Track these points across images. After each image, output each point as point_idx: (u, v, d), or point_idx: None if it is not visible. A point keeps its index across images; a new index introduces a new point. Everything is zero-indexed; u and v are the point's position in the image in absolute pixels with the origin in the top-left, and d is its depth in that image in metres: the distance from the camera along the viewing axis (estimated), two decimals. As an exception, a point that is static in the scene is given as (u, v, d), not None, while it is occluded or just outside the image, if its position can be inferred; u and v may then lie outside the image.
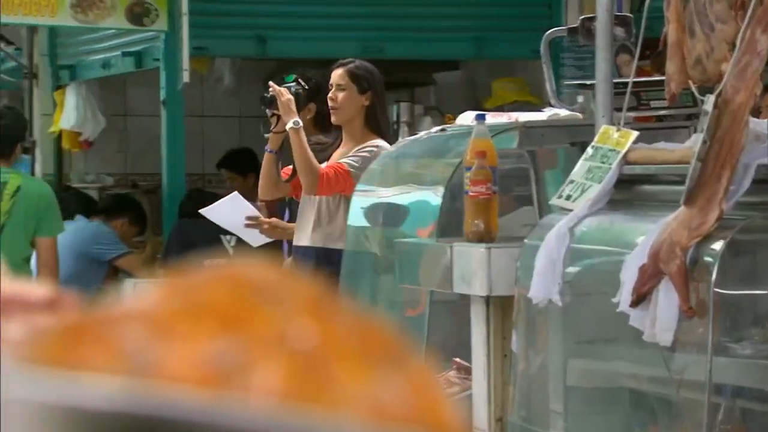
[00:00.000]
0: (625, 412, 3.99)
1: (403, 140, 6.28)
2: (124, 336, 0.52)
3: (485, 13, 8.21)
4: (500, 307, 4.28)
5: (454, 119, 5.48)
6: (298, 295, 0.55)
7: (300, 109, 5.51)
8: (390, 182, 5.56)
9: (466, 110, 5.49)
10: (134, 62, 8.44)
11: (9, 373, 0.52)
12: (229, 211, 5.83)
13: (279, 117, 5.54)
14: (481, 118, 4.58)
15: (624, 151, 3.95)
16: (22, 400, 0.50)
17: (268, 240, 5.87)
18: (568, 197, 4.03)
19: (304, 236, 5.61)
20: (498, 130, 4.65)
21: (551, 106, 5.01)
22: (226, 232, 7.32)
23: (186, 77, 7.21)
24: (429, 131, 5.64)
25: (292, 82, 5.75)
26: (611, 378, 4.08)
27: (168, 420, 0.48)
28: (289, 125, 5.43)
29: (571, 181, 4.06)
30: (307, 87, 5.76)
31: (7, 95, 11.29)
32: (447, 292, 4.55)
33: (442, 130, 5.43)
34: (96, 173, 10.01)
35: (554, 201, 4.12)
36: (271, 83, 5.62)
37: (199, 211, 6.14)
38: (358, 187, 5.65)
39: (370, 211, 5.56)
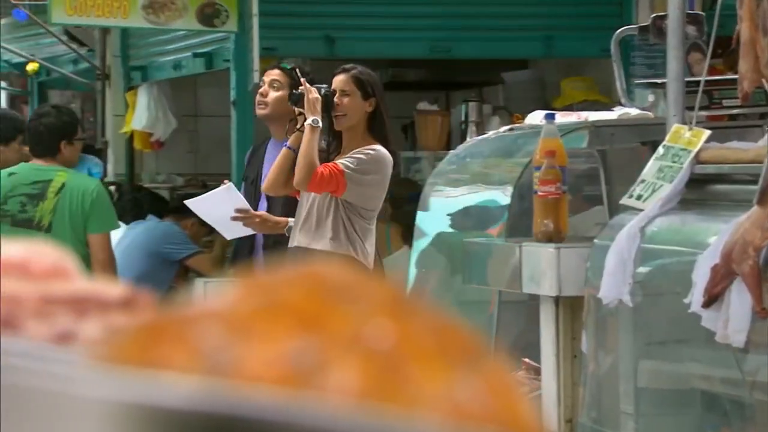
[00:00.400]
0: (697, 413, 3.95)
1: (471, 140, 6.26)
2: (203, 336, 0.52)
3: (554, 11, 8.17)
4: (570, 307, 4.25)
5: (523, 119, 5.46)
6: (375, 295, 0.55)
7: (324, 110, 5.48)
8: (458, 182, 5.55)
9: (534, 110, 5.47)
10: (205, 63, 8.50)
11: (89, 372, 0.53)
12: (219, 202, 5.71)
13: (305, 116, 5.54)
14: (550, 117, 4.56)
15: (696, 150, 3.91)
16: (101, 399, 0.50)
17: (245, 233, 5.77)
18: (639, 197, 4.00)
19: (293, 237, 5.60)
20: (567, 130, 4.63)
21: (621, 105, 4.97)
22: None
23: (256, 78, 7.24)
24: (497, 131, 5.62)
25: (289, 69, 5.75)
26: (683, 379, 4.04)
27: (245, 419, 0.48)
28: (308, 122, 5.41)
29: (642, 181, 4.03)
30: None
31: (80, 96, 11.42)
32: (516, 292, 4.53)
33: (511, 129, 5.41)
34: (167, 173, 10.09)
35: (625, 200, 4.09)
36: (303, 80, 5.61)
37: (185, 202, 6.01)
38: (427, 186, 5.64)
39: (439, 210, 5.56)
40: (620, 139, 4.66)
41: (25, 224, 6.14)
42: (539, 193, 4.34)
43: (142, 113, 9.28)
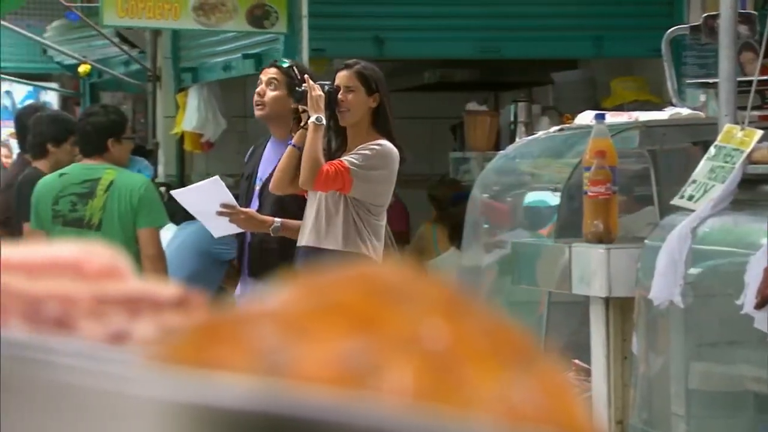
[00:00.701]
0: (750, 416, 3.92)
1: (521, 140, 6.25)
2: (258, 336, 0.52)
3: (605, 11, 8.13)
4: (620, 308, 4.23)
5: (573, 119, 5.44)
6: (430, 296, 0.55)
7: (327, 107, 5.46)
8: (507, 182, 5.54)
9: (584, 110, 5.45)
10: (254, 64, 8.52)
11: (144, 372, 0.53)
12: (205, 195, 5.65)
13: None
14: (600, 117, 4.53)
15: (748, 150, 3.88)
16: (157, 399, 0.50)
17: (231, 231, 5.73)
18: (690, 197, 3.97)
19: (302, 236, 5.58)
20: (618, 130, 4.61)
21: (672, 105, 4.94)
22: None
23: (305, 79, 7.25)
24: (547, 131, 5.60)
25: (287, 67, 5.71)
26: (735, 381, 4.00)
27: (301, 419, 0.48)
28: (312, 120, 5.40)
29: (693, 181, 4.00)
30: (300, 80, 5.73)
31: (131, 98, 11.50)
32: (566, 293, 4.51)
33: (561, 129, 5.39)
34: (217, 174, 10.13)
35: (676, 201, 4.06)
36: (306, 77, 5.59)
37: (170, 192, 5.97)
38: (475, 187, 5.63)
39: (488, 211, 5.54)
40: (671, 140, 4.63)
41: (76, 223, 6.19)
42: (589, 194, 4.32)
43: (192, 114, 9.33)
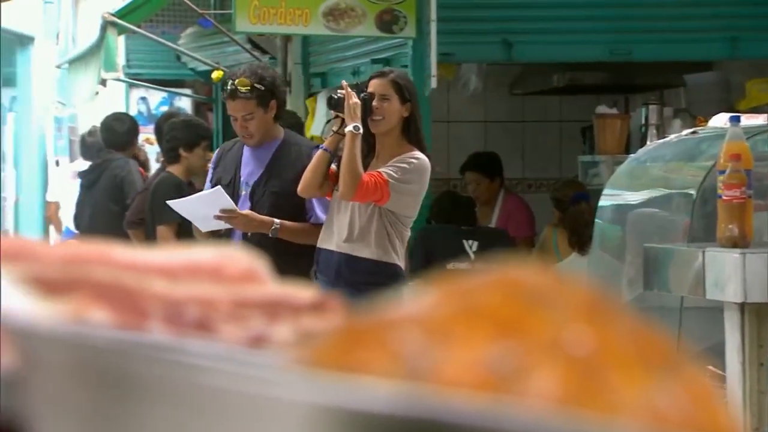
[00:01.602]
0: None
1: (652, 144, 6.17)
2: (402, 340, 0.53)
3: (740, 12, 7.98)
4: (756, 314, 4.15)
5: (706, 122, 5.36)
6: (573, 300, 0.55)
7: (361, 115, 5.47)
8: (638, 186, 5.48)
9: (718, 112, 5.36)
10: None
11: (288, 375, 0.54)
12: (205, 204, 5.65)
13: (343, 119, 5.53)
14: (735, 120, 4.46)
15: None
16: (301, 402, 0.51)
17: (218, 227, 5.70)
18: (829, 201, 3.88)
19: (330, 240, 5.57)
20: (753, 132, 4.52)
21: (810, 106, 4.84)
22: (469, 237, 7.31)
23: (434, 83, 7.27)
24: (679, 134, 5.53)
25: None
26: None
27: (446, 424, 0.48)
28: (349, 128, 5.41)
29: (832, 185, 3.91)
30: (264, 85, 5.72)
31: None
32: (699, 298, 4.45)
33: (694, 132, 5.32)
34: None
35: (813, 205, 3.97)
36: (344, 83, 5.61)
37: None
38: (606, 191, 5.58)
39: (618, 215, 5.49)
40: (809, 142, 4.53)
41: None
42: (724, 198, 4.25)
43: (320, 120, 9.41)
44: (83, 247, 0.84)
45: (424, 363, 0.52)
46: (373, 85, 5.60)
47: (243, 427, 0.53)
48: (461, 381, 0.51)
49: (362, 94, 5.53)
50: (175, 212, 5.85)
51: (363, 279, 5.46)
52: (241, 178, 5.82)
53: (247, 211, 5.64)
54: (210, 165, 6.13)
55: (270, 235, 5.57)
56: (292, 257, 5.41)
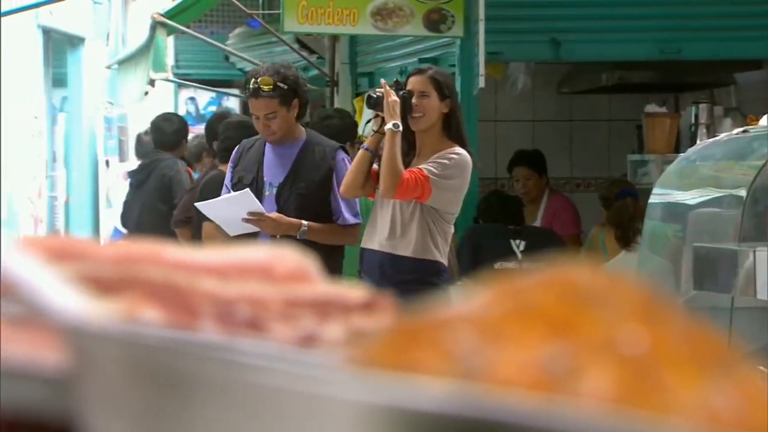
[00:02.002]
0: None
1: (702, 143, 6.13)
2: (455, 339, 0.53)
3: (791, 9, 7.92)
4: (808, 314, 4.12)
5: (757, 120, 5.32)
6: (627, 299, 0.54)
7: (401, 113, 5.45)
8: (688, 185, 5.44)
9: (769, 111, 5.32)
10: (430, 69, 8.55)
11: (342, 374, 0.54)
12: (233, 206, 5.62)
13: (383, 118, 5.51)
14: (786, 118, 4.42)
15: None
16: (356, 401, 0.51)
17: (245, 230, 5.66)
18: None
19: (373, 239, 5.55)
20: (805, 131, 4.48)
21: None
22: (516, 236, 7.28)
23: (482, 82, 7.25)
24: (730, 133, 5.49)
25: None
26: None
27: (499, 423, 0.48)
28: (389, 126, 5.39)
29: None
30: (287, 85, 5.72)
31: (309, 103, 11.69)
32: (750, 299, 4.41)
33: (744, 131, 5.27)
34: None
35: None
36: (383, 82, 5.59)
37: (196, 204, 5.92)
38: (655, 190, 5.54)
39: (668, 214, 5.46)
40: None
41: None
42: (775, 197, 4.22)
43: (363, 119, 9.43)
44: (134, 247, 0.85)
45: (477, 363, 0.52)
46: (412, 83, 5.59)
47: (297, 427, 0.53)
48: (514, 381, 0.51)
49: (401, 92, 5.53)
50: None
51: (406, 277, 5.44)
52: (265, 179, 5.81)
53: (275, 214, 5.63)
54: (229, 164, 6.09)
55: (298, 237, 5.56)
56: (320, 259, 5.42)
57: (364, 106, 6.46)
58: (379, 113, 5.53)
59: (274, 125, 5.78)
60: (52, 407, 0.68)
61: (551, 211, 8.30)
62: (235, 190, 5.80)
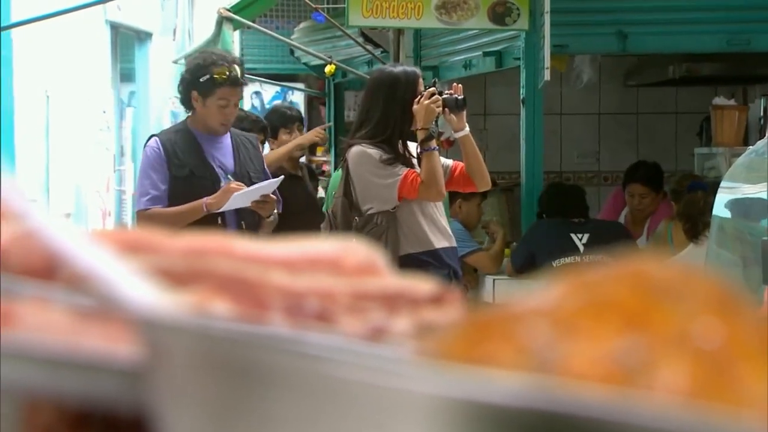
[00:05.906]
0: None
1: (772, 135, 6.06)
2: (529, 333, 0.52)
3: None
4: None
5: (827, 112, 5.24)
6: (701, 293, 0.54)
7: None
8: (756, 178, 5.38)
9: (840, 102, 5.24)
10: (495, 62, 8.53)
11: (415, 367, 0.54)
12: (253, 194, 5.65)
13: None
14: None
15: None
16: (429, 394, 0.51)
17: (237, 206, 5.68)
18: None
19: (440, 240, 5.86)
20: None
21: None
22: (577, 230, 7.21)
23: (547, 75, 7.22)
24: (800, 125, 5.42)
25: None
26: None
27: (574, 417, 0.48)
28: (466, 131, 5.70)
29: None
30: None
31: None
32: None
33: (814, 123, 5.21)
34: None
35: None
36: (456, 85, 5.82)
37: (234, 194, 5.86)
38: (723, 183, 5.49)
39: (735, 208, 5.40)
40: None
41: None
42: None
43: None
44: (204, 240, 0.85)
45: (551, 356, 0.52)
46: (457, 89, 5.86)
47: (371, 419, 0.53)
48: (588, 374, 0.50)
49: (456, 97, 5.76)
50: (279, 200, 5.92)
51: (448, 268, 5.83)
52: (216, 169, 5.77)
53: (269, 196, 5.73)
54: (160, 160, 5.73)
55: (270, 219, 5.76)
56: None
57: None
58: (455, 115, 5.73)
59: (232, 114, 5.85)
60: (125, 399, 0.69)
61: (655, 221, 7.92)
62: (186, 183, 5.68)
